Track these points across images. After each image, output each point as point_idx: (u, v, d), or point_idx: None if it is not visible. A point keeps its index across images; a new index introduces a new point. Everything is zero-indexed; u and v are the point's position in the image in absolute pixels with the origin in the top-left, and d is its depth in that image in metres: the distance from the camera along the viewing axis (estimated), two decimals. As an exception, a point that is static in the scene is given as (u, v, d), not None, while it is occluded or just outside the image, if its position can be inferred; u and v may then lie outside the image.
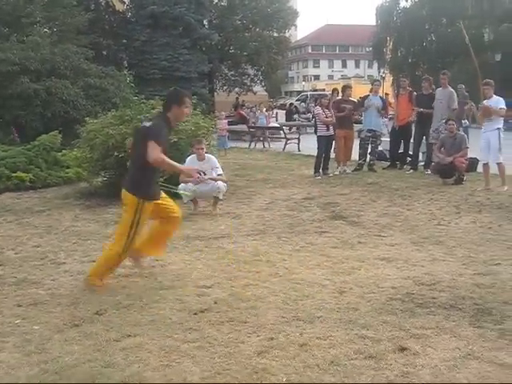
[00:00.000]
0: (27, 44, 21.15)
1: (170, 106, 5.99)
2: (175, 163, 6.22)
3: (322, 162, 13.72)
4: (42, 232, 8.61)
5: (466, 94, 18.78)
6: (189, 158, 9.96)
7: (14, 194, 11.80)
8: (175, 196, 10.19)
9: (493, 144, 11.35)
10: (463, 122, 17.09)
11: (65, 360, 4.30)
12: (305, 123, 30.98)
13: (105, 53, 36.96)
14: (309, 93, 54.77)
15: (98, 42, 33.86)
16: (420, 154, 14.42)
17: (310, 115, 33.59)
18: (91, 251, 7.45)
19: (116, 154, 10.59)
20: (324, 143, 13.68)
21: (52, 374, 4.09)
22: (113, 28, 38.78)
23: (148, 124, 6.06)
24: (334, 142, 14.14)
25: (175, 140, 10.73)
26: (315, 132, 14.49)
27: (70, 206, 10.63)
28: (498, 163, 11.51)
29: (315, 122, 14.97)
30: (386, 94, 25.08)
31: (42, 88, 19.44)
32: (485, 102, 11.44)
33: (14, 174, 12.23)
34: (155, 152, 5.65)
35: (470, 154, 12.89)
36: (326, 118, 13.62)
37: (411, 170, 13.95)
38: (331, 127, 13.73)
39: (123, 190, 5.94)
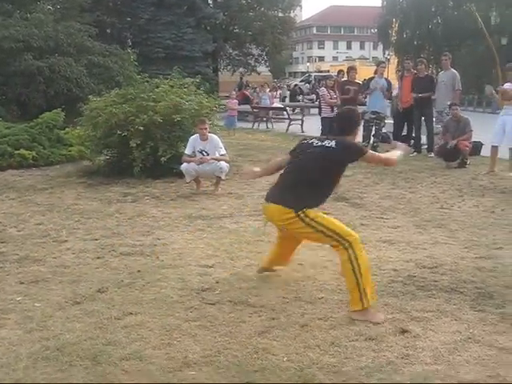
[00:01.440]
0: (30, 21, 21.08)
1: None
2: None
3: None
4: (44, 210, 8.61)
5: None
6: (192, 137, 9.94)
7: (17, 172, 11.79)
8: (177, 175, 10.26)
9: (509, 128, 11.21)
10: None
11: (66, 337, 4.31)
12: (309, 104, 30.88)
13: (108, 31, 36.82)
14: (313, 74, 54.55)
15: (102, 19, 33.76)
16: (423, 137, 14.37)
17: (314, 96, 33.49)
18: (93, 229, 7.45)
19: (119, 132, 10.58)
20: (328, 124, 13.65)
21: (53, 350, 4.10)
22: (117, 6, 38.56)
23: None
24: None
25: (178, 119, 10.72)
26: (319, 113, 14.44)
27: (72, 184, 10.62)
28: (511, 148, 11.40)
29: (319, 102, 14.92)
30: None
31: (45, 65, 19.40)
32: (506, 85, 11.29)
33: (16, 152, 12.21)
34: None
35: (474, 138, 12.84)
36: (331, 99, 13.57)
37: (414, 153, 13.90)
38: (335, 108, 13.68)
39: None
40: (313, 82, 47.04)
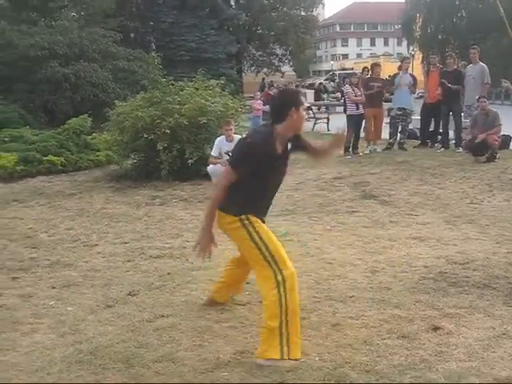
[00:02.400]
0: (55, 28, 21.32)
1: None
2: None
3: (351, 141, 13.63)
4: (73, 215, 8.69)
5: None
6: (218, 138, 9.97)
7: (46, 178, 11.91)
8: (205, 177, 10.28)
9: None
10: None
11: (99, 340, 4.34)
12: (334, 102, 30.73)
13: (132, 35, 37.07)
14: (337, 72, 54.35)
15: (126, 24, 33.98)
16: (451, 132, 14.23)
17: (339, 94, 33.35)
18: (123, 233, 7.50)
19: (145, 136, 10.65)
20: (354, 122, 13.58)
21: (87, 354, 4.13)
22: (140, 10, 38.81)
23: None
24: (363, 121, 14.03)
25: (204, 121, 10.75)
26: (345, 111, 14.37)
27: (100, 188, 10.71)
28: None
29: (344, 100, 14.85)
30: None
31: (70, 72, 19.61)
32: None
33: (45, 158, 12.34)
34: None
35: (503, 132, 12.68)
36: (356, 96, 13.50)
37: (442, 149, 13.76)
38: (361, 106, 13.61)
39: None
40: (337, 80, 46.87)
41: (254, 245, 4.04)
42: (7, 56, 19.79)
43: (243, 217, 4.06)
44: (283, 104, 4.08)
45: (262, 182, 4.08)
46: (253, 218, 4.08)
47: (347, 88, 13.96)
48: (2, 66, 19.73)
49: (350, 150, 13.56)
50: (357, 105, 13.55)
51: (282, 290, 3.90)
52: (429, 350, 4.05)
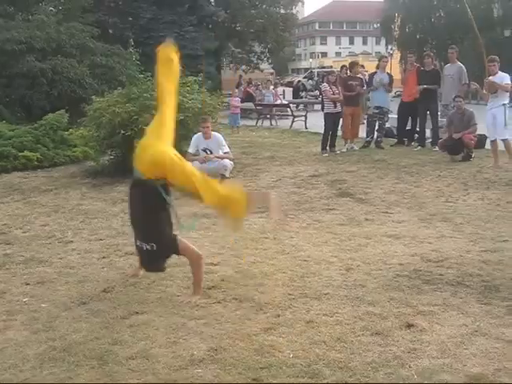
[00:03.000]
0: (33, 23, 21.09)
1: None
2: None
3: (329, 139, 13.67)
4: (49, 211, 8.63)
5: None
6: (195, 136, 9.96)
7: (22, 174, 11.81)
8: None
9: (499, 120, 11.25)
10: None
11: (72, 337, 4.32)
12: (312, 100, 30.79)
13: (111, 31, 36.79)
14: (316, 70, 54.45)
15: (104, 20, 33.72)
16: (427, 131, 14.33)
17: (317, 92, 33.40)
18: (98, 229, 7.47)
19: (123, 132, 10.58)
20: (331, 120, 13.62)
21: (60, 351, 4.12)
22: (118, 6, 38.54)
23: None
24: (341, 120, 14.07)
25: (181, 118, 10.71)
26: (322, 109, 14.41)
27: (77, 184, 10.64)
28: (503, 140, 11.42)
29: (322, 99, 14.88)
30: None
31: (48, 67, 19.40)
32: (490, 78, 11.34)
33: (21, 154, 12.23)
34: None
35: (479, 131, 12.79)
36: (333, 94, 13.54)
37: (419, 147, 13.85)
38: (338, 104, 13.65)
39: None
40: (316, 78, 46.95)
41: None
42: (-17, 50, 19.57)
43: None
44: None
45: None
46: None
47: (325, 86, 13.98)
48: (-22, 60, 19.51)
49: (328, 147, 13.59)
50: (334, 103, 13.59)
51: None
52: (402, 346, 4.08)
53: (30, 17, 21.90)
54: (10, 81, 19.48)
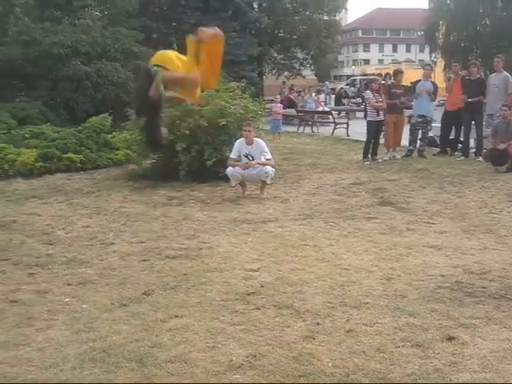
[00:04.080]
0: (78, 27, 21.40)
1: None
2: None
3: (371, 147, 13.59)
4: (91, 213, 8.73)
5: None
6: (237, 141, 9.97)
7: (65, 175, 11.97)
8: (223, 179, 10.29)
9: None
10: None
11: (112, 339, 4.36)
12: (354, 108, 30.65)
13: (155, 36, 37.15)
14: (358, 77, 54.18)
15: (149, 25, 34.07)
16: (471, 141, 14.13)
17: (359, 99, 33.28)
18: (139, 232, 7.53)
19: (165, 136, 10.64)
20: (374, 128, 13.54)
21: (100, 352, 4.16)
22: (163, 11, 38.89)
23: None
24: (383, 127, 13.98)
25: (224, 123, 10.76)
26: (365, 117, 14.33)
27: (119, 187, 10.74)
28: None
29: (365, 106, 14.81)
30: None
31: (92, 71, 19.66)
32: None
33: (64, 155, 12.41)
34: None
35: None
36: (377, 102, 13.45)
37: (462, 157, 13.69)
38: (381, 112, 13.56)
39: None
40: (358, 85, 46.72)
41: None
42: (30, 53, 19.87)
43: None
44: None
45: None
46: None
47: (368, 93, 13.91)
48: (26, 64, 19.84)
49: (369, 155, 13.51)
50: (377, 111, 13.50)
51: None
52: (443, 359, 4.02)
53: (77, 21, 22.22)
54: (56, 84, 19.79)
